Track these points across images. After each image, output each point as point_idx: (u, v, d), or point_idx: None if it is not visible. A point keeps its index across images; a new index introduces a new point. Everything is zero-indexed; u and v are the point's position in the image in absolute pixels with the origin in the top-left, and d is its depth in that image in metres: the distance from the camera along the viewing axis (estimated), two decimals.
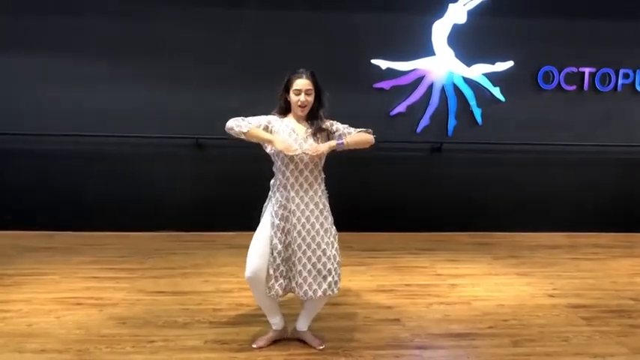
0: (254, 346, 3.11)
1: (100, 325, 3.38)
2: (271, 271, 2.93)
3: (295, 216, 2.92)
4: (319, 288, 2.92)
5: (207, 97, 5.92)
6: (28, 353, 2.99)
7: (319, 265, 2.91)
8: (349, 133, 2.98)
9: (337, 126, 3.01)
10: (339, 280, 3.00)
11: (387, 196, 6.19)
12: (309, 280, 2.92)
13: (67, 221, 5.93)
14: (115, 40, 5.81)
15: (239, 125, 2.90)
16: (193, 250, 5.29)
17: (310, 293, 2.93)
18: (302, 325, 3.18)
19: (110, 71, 5.85)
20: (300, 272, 2.92)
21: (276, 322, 3.14)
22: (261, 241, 2.98)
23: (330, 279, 2.93)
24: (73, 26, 5.76)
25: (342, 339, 3.24)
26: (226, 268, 4.66)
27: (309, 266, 2.92)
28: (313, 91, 2.92)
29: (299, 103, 2.91)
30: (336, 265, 2.96)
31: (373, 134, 3.05)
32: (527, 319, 3.63)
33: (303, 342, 3.17)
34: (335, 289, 2.97)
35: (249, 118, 2.95)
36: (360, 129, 3.02)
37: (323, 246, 2.93)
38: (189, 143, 6.00)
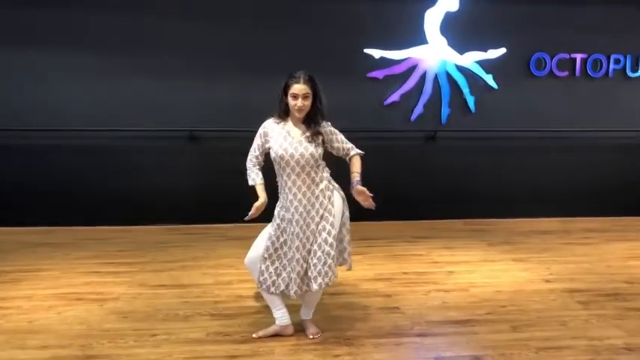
0: (254, 335, 3.14)
1: (101, 320, 3.40)
2: (263, 267, 3.02)
3: (294, 218, 2.98)
4: (314, 282, 2.98)
5: (201, 88, 5.90)
6: (31, 349, 3.00)
7: (320, 264, 2.97)
8: (348, 149, 3.16)
9: (335, 137, 3.11)
10: (332, 271, 3.00)
11: (382, 184, 6.04)
12: (310, 274, 3.00)
13: (63, 216, 5.91)
14: (106, 33, 5.76)
15: (248, 174, 3.15)
16: (191, 243, 5.30)
17: (304, 288, 3.02)
18: (303, 313, 3.24)
19: (102, 64, 5.81)
20: (297, 271, 2.99)
21: (278, 316, 3.16)
22: (265, 234, 3.11)
23: (323, 272, 2.96)
24: (63, 20, 5.71)
25: (342, 328, 3.28)
26: (225, 260, 4.67)
27: (304, 265, 2.99)
28: (311, 95, 2.97)
29: (296, 108, 2.96)
30: (330, 261, 2.97)
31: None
32: (524, 305, 3.68)
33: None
34: (328, 280, 2.99)
35: (253, 145, 3.13)
36: (354, 149, 3.18)
37: (315, 247, 2.99)
38: (183, 136, 5.98)
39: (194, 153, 6.06)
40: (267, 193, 3.09)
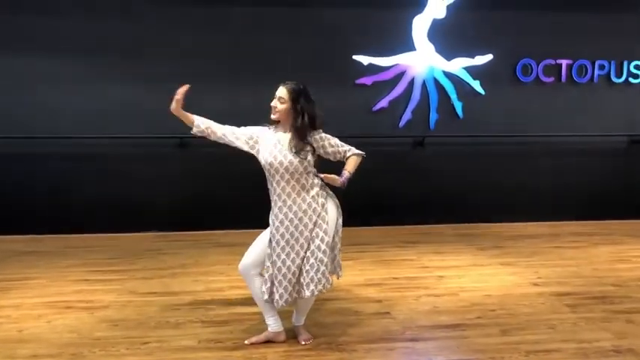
0: (246, 342, 3.14)
1: (92, 328, 3.37)
2: (253, 272, 3.07)
3: (283, 225, 2.98)
4: (306, 289, 2.97)
5: (191, 95, 5.87)
6: (21, 359, 2.97)
7: (313, 271, 2.96)
8: (344, 151, 3.07)
9: (328, 142, 3.05)
10: (325, 278, 2.99)
11: (371, 190, 6.19)
12: (303, 280, 2.99)
13: (52, 224, 5.86)
14: (97, 39, 5.75)
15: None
16: (181, 250, 5.28)
17: (294, 295, 3.01)
18: (295, 319, 3.24)
19: (93, 71, 5.80)
20: (289, 279, 2.98)
21: (271, 322, 3.16)
22: (259, 241, 3.12)
23: (316, 279, 2.96)
24: (55, 27, 5.69)
25: (334, 334, 3.28)
26: (216, 267, 4.66)
27: (297, 272, 2.98)
28: (287, 101, 2.97)
29: (271, 105, 3.02)
30: (323, 268, 2.97)
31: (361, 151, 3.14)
32: (513, 309, 3.71)
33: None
34: (322, 287, 2.99)
35: (242, 129, 3.12)
36: (352, 150, 3.09)
37: (307, 254, 2.98)
38: (173, 142, 5.97)
39: (184, 160, 6.04)
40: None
